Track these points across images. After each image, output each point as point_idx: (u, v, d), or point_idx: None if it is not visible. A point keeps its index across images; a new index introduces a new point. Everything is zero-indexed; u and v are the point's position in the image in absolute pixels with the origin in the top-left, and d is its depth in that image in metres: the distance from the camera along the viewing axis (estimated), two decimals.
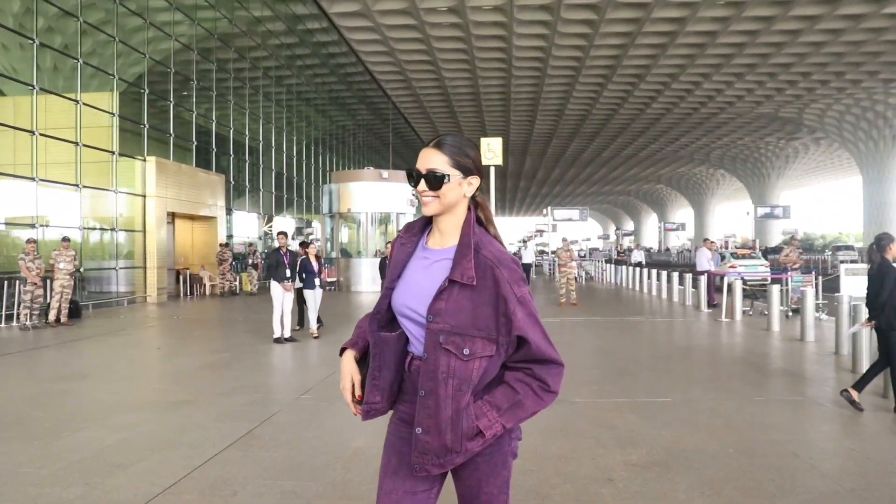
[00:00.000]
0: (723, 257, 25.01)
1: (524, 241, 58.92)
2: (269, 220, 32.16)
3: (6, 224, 16.81)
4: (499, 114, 47.98)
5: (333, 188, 27.05)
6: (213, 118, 25.92)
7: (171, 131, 22.62)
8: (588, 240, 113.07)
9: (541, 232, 69.42)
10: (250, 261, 25.66)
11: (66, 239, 14.98)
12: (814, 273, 16.68)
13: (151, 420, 6.44)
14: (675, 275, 20.25)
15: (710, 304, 17.22)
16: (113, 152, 19.62)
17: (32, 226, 16.54)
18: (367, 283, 25.11)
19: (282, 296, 11.53)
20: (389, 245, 2.58)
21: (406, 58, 35.51)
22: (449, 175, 2.05)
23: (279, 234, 12.29)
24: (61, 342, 11.98)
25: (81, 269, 17.55)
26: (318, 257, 12.44)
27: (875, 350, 8.73)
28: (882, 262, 6.66)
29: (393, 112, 46.80)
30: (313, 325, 12.20)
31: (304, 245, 13.26)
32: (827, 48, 33.41)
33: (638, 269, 26.25)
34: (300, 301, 12.74)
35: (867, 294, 6.81)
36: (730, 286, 15.20)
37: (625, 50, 33.68)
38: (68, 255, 14.68)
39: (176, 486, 4.48)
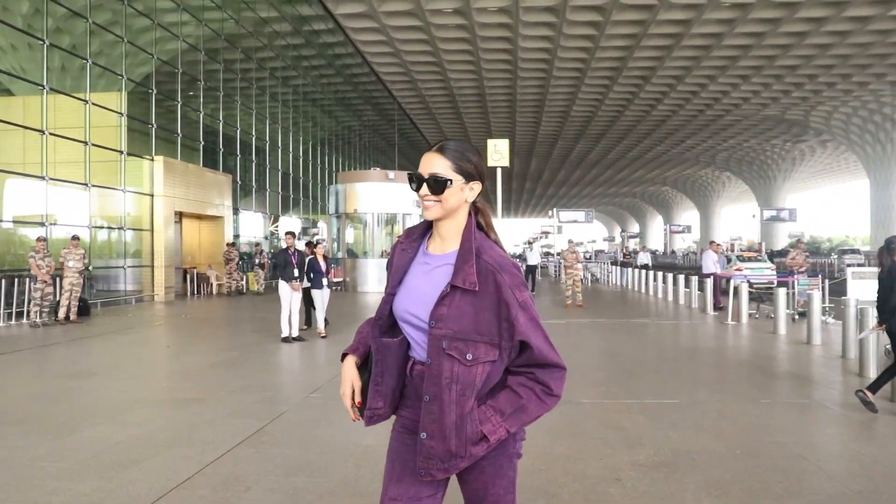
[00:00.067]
0: (729, 260, 25.00)
1: (529, 243, 58.81)
2: (276, 220, 32.25)
3: (15, 222, 16.89)
4: (504, 115, 48.03)
5: (340, 188, 27.12)
6: (220, 118, 26.03)
7: (179, 131, 22.72)
8: (593, 242, 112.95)
9: (546, 233, 69.42)
10: (257, 260, 25.75)
11: (75, 237, 15.08)
12: (820, 276, 16.69)
13: (163, 417, 6.51)
14: (681, 277, 20.27)
15: (716, 307, 17.23)
16: (121, 152, 19.73)
17: (42, 224, 16.64)
18: (373, 284, 25.17)
19: (290, 295, 11.59)
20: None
21: (412, 59, 35.59)
22: (451, 180, 2.05)
23: (287, 233, 12.35)
24: (71, 339, 12.06)
25: (90, 268, 17.63)
26: (325, 257, 12.50)
27: (882, 354, 8.78)
28: (892, 265, 6.66)
29: (399, 113, 46.89)
30: (321, 324, 12.26)
31: (310, 245, 13.33)
32: (833, 50, 33.40)
33: (644, 271, 26.26)
34: (307, 301, 12.81)
35: (878, 297, 6.82)
36: (736, 289, 15.21)
37: (630, 52, 33.71)
38: (78, 253, 14.78)
39: (189, 482, 4.54)
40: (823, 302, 13.84)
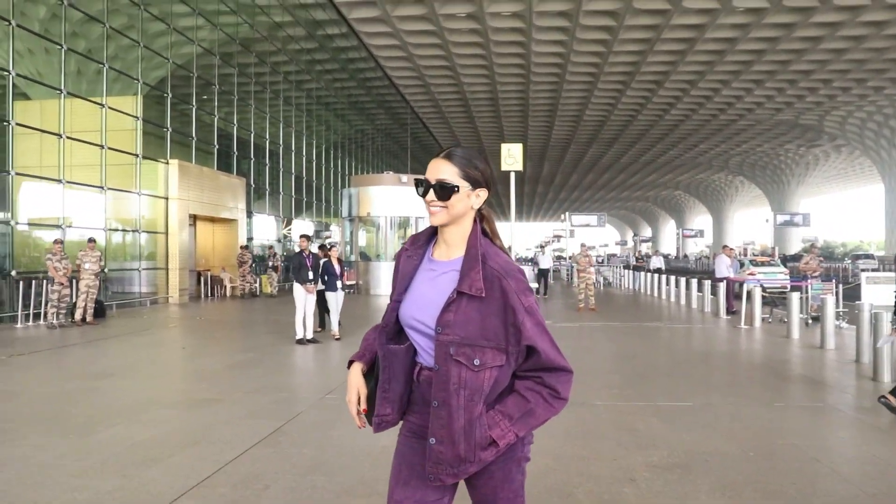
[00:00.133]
0: (742, 264, 24.95)
1: (541, 247, 58.80)
2: (288, 223, 32.40)
3: (30, 225, 17.05)
4: (517, 119, 48.07)
5: (353, 192, 27.24)
6: (235, 122, 26.20)
7: (194, 135, 22.90)
8: (605, 246, 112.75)
9: (558, 237, 69.36)
10: (270, 263, 25.87)
11: (91, 240, 15.24)
12: (834, 281, 16.64)
13: (181, 417, 6.59)
14: (694, 281, 20.25)
15: (729, 311, 17.19)
16: (136, 155, 19.90)
17: (59, 226, 16.80)
18: (386, 287, 25.23)
19: (304, 298, 11.67)
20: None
21: (425, 63, 35.71)
22: (458, 186, 2.06)
23: (302, 236, 12.43)
24: (88, 341, 12.19)
25: (105, 270, 17.79)
26: (340, 260, 12.58)
27: None
28: None
29: (411, 117, 47.03)
30: (335, 326, 12.34)
31: (323, 248, 13.42)
32: (849, 55, 33.26)
33: (656, 275, 26.22)
34: (320, 304, 12.88)
35: None
36: (749, 293, 15.19)
37: (643, 57, 33.70)
38: (94, 255, 14.93)
39: (209, 480, 4.61)
40: (837, 306, 13.80)
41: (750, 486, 4.57)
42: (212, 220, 24.97)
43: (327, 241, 31.28)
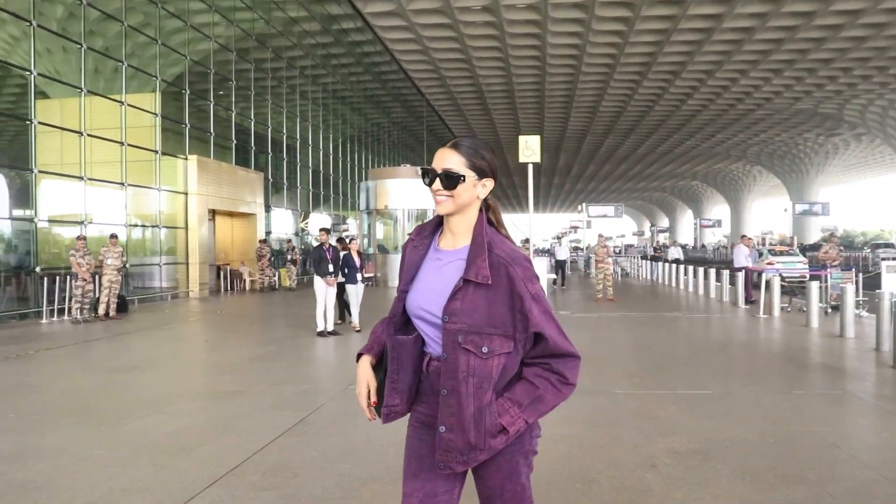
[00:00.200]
0: (760, 254, 24.86)
1: (558, 238, 58.73)
2: (306, 216, 32.56)
3: (52, 222, 17.27)
4: (533, 111, 47.97)
5: (370, 185, 27.37)
6: (252, 117, 26.36)
7: (212, 130, 23.07)
8: (622, 236, 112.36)
9: (575, 228, 69.22)
10: (289, 256, 26.03)
11: (114, 236, 15.44)
12: (854, 270, 16.57)
13: (208, 408, 6.72)
14: (712, 271, 20.22)
15: (748, 301, 17.18)
16: (156, 151, 20.09)
17: (81, 223, 17.01)
18: None
19: (325, 290, 11.78)
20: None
21: (440, 56, 35.69)
22: (464, 176, 2.07)
23: (321, 230, 12.55)
24: (112, 335, 12.37)
25: (127, 265, 18.00)
26: (359, 253, 12.69)
27: None
28: None
29: (427, 110, 47.04)
30: (356, 318, 12.47)
31: (341, 241, 13.52)
32: (869, 42, 32.89)
33: (674, 265, 26.19)
34: (339, 296, 12.98)
35: None
36: (768, 283, 15.17)
37: (660, 47, 33.51)
38: (116, 251, 15.13)
39: (239, 469, 4.72)
40: (857, 295, 13.74)
41: (770, 472, 4.62)
42: (230, 214, 25.17)
43: (344, 234, 31.45)
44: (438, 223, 2.23)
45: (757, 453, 5.03)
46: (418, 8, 29.15)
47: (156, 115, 20.11)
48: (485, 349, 1.99)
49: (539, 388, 2.04)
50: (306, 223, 32.47)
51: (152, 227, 20.42)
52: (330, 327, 11.88)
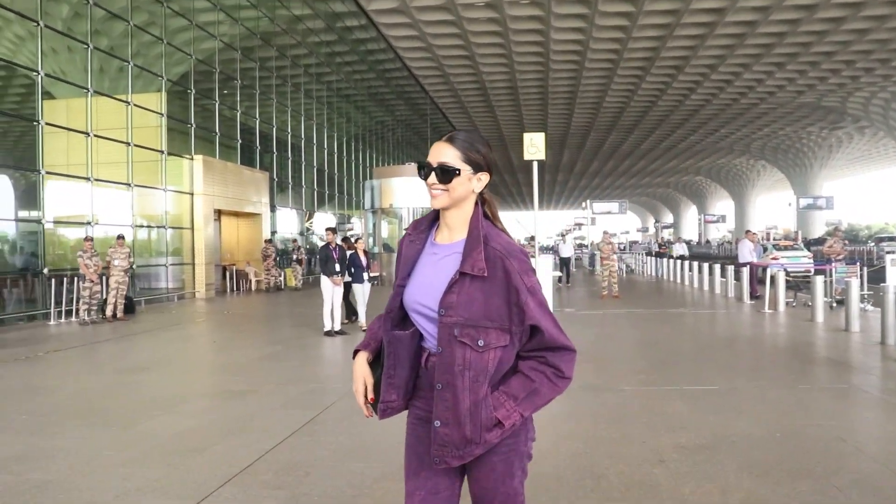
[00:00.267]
0: (765, 249, 24.87)
1: (562, 235, 58.74)
2: (310, 216, 32.61)
3: (59, 223, 17.35)
4: (536, 107, 47.93)
5: (375, 184, 27.39)
6: (256, 116, 26.40)
7: (217, 130, 23.13)
8: (626, 233, 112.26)
9: (579, 225, 69.20)
10: (294, 256, 26.10)
11: (121, 236, 15.50)
12: (858, 264, 16.58)
13: (217, 408, 6.78)
14: (717, 267, 20.23)
15: (753, 296, 17.19)
16: (161, 151, 20.15)
17: (88, 224, 17.09)
18: None
19: (332, 290, 11.84)
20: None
21: (444, 53, 35.68)
22: (459, 170, 2.07)
23: (327, 229, 12.60)
24: (120, 336, 12.44)
25: (134, 266, 18.09)
26: (366, 252, 12.74)
27: None
28: None
29: (431, 107, 47.04)
30: (363, 317, 12.52)
31: (346, 241, 13.57)
32: (872, 35, 32.78)
33: (679, 261, 26.20)
34: (346, 295, 13.04)
35: None
36: (772, 278, 15.18)
37: (663, 41, 33.47)
38: (123, 252, 15.20)
39: (251, 468, 4.78)
40: (862, 289, 13.76)
41: (776, 466, 4.66)
42: (236, 214, 25.24)
43: (349, 233, 31.47)
44: (435, 217, 2.23)
45: (763, 447, 5.08)
46: (422, 5, 29.15)
47: (161, 114, 20.16)
48: (481, 342, 1.99)
49: (535, 382, 2.04)
50: (311, 223, 32.53)
51: (158, 227, 20.50)
52: (337, 327, 11.94)
